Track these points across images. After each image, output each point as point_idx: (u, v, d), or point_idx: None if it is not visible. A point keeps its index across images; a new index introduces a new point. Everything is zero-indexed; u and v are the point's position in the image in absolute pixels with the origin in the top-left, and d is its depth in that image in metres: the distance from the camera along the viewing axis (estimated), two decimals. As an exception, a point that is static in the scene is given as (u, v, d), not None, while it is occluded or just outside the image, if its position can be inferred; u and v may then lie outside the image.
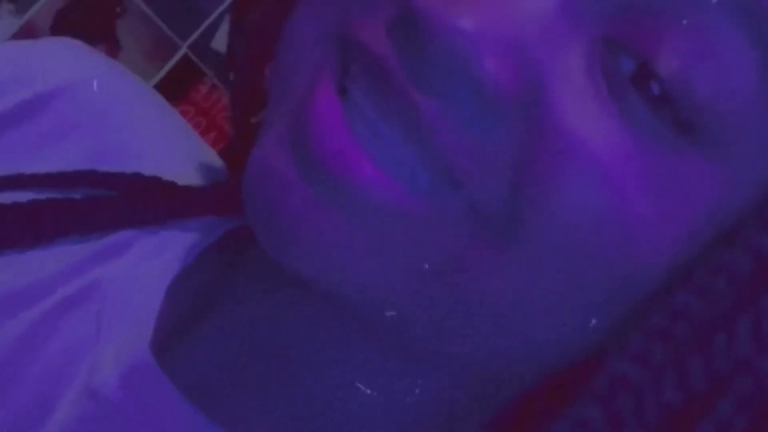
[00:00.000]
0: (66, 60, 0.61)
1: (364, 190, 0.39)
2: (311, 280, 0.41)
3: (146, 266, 0.54)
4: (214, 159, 0.61)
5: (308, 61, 0.41)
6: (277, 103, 0.42)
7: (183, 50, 1.59)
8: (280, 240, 0.41)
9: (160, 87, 1.57)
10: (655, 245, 0.39)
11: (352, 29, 0.40)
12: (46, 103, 0.58)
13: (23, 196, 0.54)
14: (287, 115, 0.41)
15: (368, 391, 0.46)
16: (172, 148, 0.60)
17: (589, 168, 0.38)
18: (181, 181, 0.56)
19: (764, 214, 0.40)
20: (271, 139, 0.41)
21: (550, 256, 0.39)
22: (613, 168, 0.38)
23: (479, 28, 0.37)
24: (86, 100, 0.59)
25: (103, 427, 0.49)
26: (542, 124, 0.38)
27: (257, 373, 0.48)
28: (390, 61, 0.39)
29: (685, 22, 0.38)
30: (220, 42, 1.59)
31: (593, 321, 0.41)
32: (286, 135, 0.40)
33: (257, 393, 0.48)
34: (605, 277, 0.39)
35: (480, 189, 0.39)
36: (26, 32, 1.57)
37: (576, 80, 0.39)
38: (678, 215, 0.39)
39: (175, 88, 1.58)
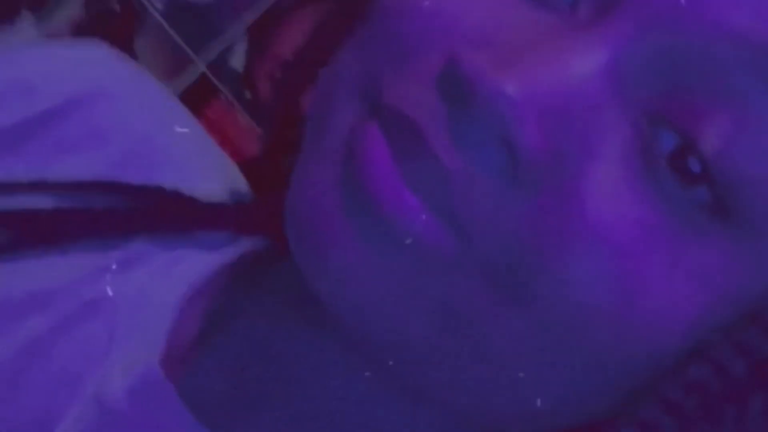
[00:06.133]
0: (98, 65, 0.61)
1: (407, 227, 0.39)
2: (342, 314, 0.41)
3: (161, 280, 0.54)
4: (236, 175, 0.61)
5: (349, 104, 0.41)
6: (319, 138, 0.42)
7: (200, 67, 1.60)
8: (323, 274, 0.41)
9: (176, 103, 1.57)
10: (670, 325, 0.39)
11: (391, 80, 0.40)
12: (75, 108, 0.59)
13: (45, 202, 0.55)
14: (333, 153, 0.41)
15: (372, 424, 0.46)
16: (196, 161, 0.60)
17: (606, 247, 0.38)
18: (203, 195, 0.57)
19: None
20: (317, 175, 0.41)
21: (555, 324, 0.39)
22: (633, 250, 0.38)
23: (524, 94, 0.37)
24: (115, 107, 0.59)
25: None
26: (567, 196, 0.38)
27: (265, 394, 0.48)
28: (428, 112, 0.38)
29: (730, 101, 0.37)
30: (237, 60, 1.59)
31: (598, 391, 0.41)
32: (333, 173, 0.40)
33: (264, 414, 0.48)
34: (613, 349, 0.39)
35: (489, 247, 0.39)
36: (45, 43, 1.58)
37: (612, 158, 0.38)
38: (697, 297, 0.39)
39: (190, 104, 1.59)
